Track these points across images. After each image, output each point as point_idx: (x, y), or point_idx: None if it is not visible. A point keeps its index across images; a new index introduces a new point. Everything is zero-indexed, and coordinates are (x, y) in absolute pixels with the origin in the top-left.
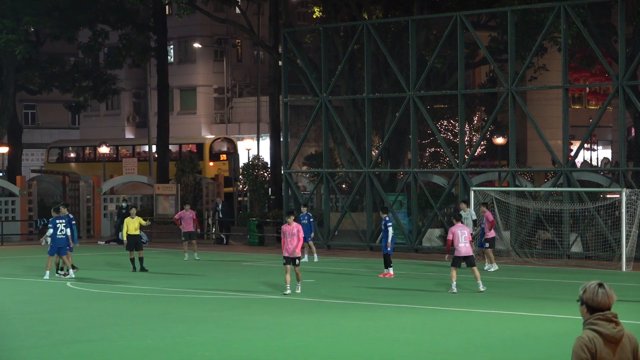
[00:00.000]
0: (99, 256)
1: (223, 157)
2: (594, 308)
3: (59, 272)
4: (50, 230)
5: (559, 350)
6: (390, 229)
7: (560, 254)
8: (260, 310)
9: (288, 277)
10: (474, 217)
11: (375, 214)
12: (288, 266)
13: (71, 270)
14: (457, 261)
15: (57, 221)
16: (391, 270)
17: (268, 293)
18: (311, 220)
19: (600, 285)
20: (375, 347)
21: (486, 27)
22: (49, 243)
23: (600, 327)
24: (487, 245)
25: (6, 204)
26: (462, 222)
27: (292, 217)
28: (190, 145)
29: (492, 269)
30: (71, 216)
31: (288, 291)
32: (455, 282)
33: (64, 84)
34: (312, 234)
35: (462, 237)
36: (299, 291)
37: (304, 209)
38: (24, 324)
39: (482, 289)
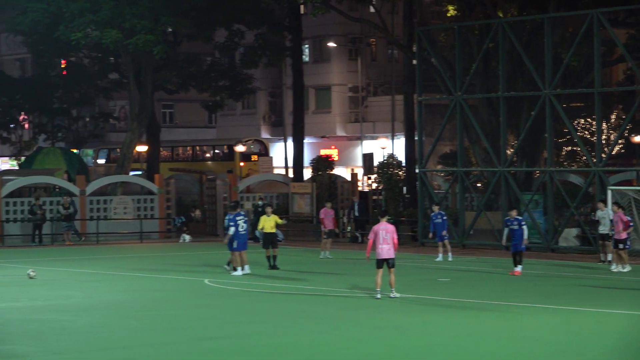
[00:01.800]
0: None
1: (254, 157)
2: None
3: (226, 266)
4: (232, 229)
5: None
6: (525, 228)
7: None
8: (395, 309)
9: (379, 280)
10: (611, 217)
11: None
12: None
13: (246, 267)
14: None
15: (237, 218)
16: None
17: (403, 292)
18: (444, 218)
19: None
20: (510, 347)
21: (624, 25)
22: (187, 241)
23: None
24: (621, 246)
25: (145, 202)
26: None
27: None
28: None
29: (624, 269)
30: (243, 213)
31: (378, 296)
32: None
33: (200, 83)
34: (445, 232)
35: None
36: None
37: (435, 208)
38: (162, 320)
39: None
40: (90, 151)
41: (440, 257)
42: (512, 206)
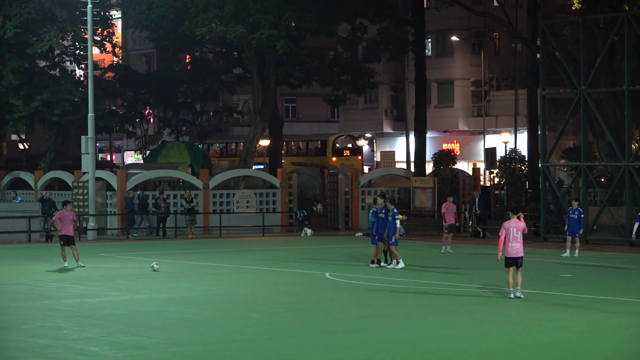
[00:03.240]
0: (355, 248)
1: (346, 152)
2: None
3: (384, 264)
4: (398, 222)
5: None
6: None
7: None
8: (516, 304)
9: (510, 280)
10: None
11: (635, 209)
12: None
13: (399, 261)
14: None
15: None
16: None
17: (525, 287)
18: (581, 215)
19: None
20: (634, 344)
21: None
22: (308, 235)
23: None
24: None
25: (267, 195)
26: None
27: (515, 214)
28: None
29: None
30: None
31: (511, 295)
32: None
33: (323, 77)
34: (581, 230)
35: None
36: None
37: (575, 204)
38: (284, 313)
39: None
40: (215, 145)
41: (567, 253)
42: None
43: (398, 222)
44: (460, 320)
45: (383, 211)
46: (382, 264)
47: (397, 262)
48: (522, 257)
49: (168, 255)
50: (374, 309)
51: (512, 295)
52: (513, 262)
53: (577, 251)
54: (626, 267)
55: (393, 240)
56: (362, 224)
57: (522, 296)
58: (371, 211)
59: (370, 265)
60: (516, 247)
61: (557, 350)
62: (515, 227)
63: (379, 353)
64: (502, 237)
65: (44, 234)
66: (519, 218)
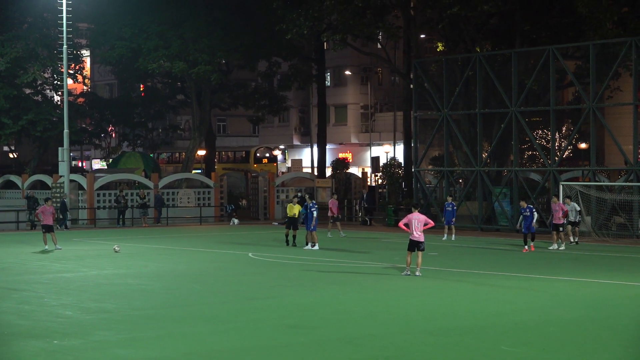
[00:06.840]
0: (272, 234)
1: (265, 160)
2: None
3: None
4: (315, 212)
5: (632, 311)
6: (536, 214)
7: (631, 234)
8: (396, 276)
9: (408, 260)
10: (578, 209)
11: (485, 203)
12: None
13: (315, 244)
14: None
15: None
16: (532, 245)
17: (402, 262)
18: (454, 207)
19: None
20: (485, 306)
21: (573, 57)
22: (235, 224)
23: None
24: (561, 229)
25: (203, 193)
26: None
27: (416, 209)
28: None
29: (561, 248)
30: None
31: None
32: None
33: (247, 102)
34: (454, 219)
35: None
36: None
37: (449, 198)
38: (217, 284)
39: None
40: (163, 154)
41: (445, 237)
42: (523, 198)
43: (315, 212)
44: (352, 289)
45: (314, 207)
46: (305, 246)
47: (314, 245)
48: (422, 242)
49: (126, 240)
50: (286, 280)
51: (408, 273)
52: (415, 246)
53: (453, 236)
54: (477, 247)
55: (312, 227)
56: (277, 215)
57: (421, 274)
58: (304, 205)
59: (308, 247)
60: (417, 235)
61: (426, 310)
62: (416, 219)
63: (290, 313)
64: (401, 224)
65: (29, 223)
66: (419, 211)
